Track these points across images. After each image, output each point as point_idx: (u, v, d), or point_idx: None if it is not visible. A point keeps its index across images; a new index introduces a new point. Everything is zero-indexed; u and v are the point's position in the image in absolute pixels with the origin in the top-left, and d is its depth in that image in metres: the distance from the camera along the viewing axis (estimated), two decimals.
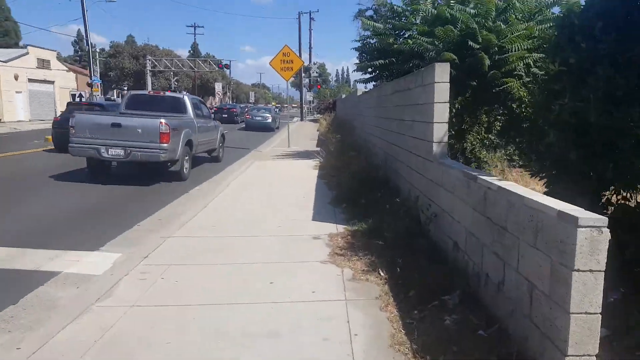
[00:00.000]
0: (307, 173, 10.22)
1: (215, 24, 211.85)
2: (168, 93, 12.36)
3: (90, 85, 40.92)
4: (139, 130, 8.93)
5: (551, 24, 6.98)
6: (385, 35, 9.44)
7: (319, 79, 49.92)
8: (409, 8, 9.36)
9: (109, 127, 8.95)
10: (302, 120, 43.13)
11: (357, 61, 38.99)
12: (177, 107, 10.74)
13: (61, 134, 12.25)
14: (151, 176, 9.84)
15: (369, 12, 42.75)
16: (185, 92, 14.25)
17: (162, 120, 9.01)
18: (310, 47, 47.56)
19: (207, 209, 7.00)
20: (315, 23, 50.55)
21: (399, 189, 6.78)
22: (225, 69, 65.99)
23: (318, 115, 48.86)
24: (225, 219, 6.40)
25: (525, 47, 7.44)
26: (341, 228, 5.71)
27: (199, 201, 7.56)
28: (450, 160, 4.78)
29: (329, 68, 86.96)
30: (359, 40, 11.85)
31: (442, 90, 4.81)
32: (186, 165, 10.04)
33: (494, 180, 3.38)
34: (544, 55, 5.92)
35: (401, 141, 6.65)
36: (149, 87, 59.70)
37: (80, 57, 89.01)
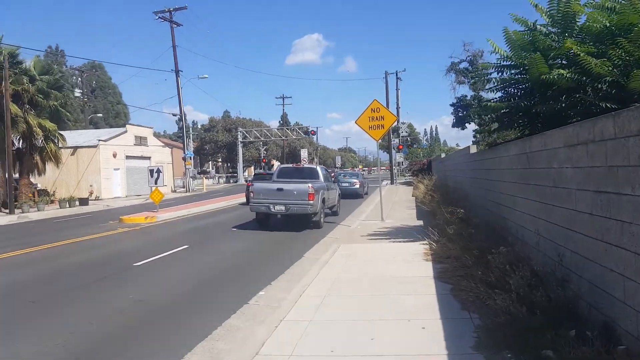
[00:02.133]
0: (417, 269, 7.22)
1: (303, 94, 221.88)
2: (306, 165, 17.21)
3: (184, 159, 42.10)
4: (295, 192, 12.67)
5: None
6: (533, 62, 6.54)
7: (408, 139, 47.30)
8: (559, 20, 6.49)
9: (275, 191, 12.86)
10: (392, 183, 40.24)
11: (453, 117, 34.73)
12: (312, 174, 14.52)
13: None
14: (298, 226, 13.40)
15: (463, 64, 38.47)
16: (317, 164, 17.50)
17: (310, 184, 12.79)
18: (397, 107, 45.54)
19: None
20: (401, 83, 49.00)
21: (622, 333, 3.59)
22: (311, 135, 66.30)
23: (410, 177, 45.74)
24: None
25: None
26: None
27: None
28: None
29: (417, 128, 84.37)
30: (475, 90, 9.14)
31: None
32: (322, 217, 13.65)
33: None
34: None
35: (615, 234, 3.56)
36: (240, 158, 61.17)
37: (184, 133, 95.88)
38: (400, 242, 9.61)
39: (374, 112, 13.69)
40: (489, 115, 9.12)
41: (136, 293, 6.85)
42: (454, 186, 15.41)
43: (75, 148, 31.90)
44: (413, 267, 7.28)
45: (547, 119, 8.27)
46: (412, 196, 23.00)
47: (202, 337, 4.90)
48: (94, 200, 30.69)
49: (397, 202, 20.39)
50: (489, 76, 8.63)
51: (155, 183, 17.95)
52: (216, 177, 64.39)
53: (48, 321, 5.70)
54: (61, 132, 27.12)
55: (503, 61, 8.62)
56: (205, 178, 63.17)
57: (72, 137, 34.94)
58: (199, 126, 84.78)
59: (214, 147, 65.81)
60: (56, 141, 26.18)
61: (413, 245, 8.99)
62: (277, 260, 9.05)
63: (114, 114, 67.40)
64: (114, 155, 33.44)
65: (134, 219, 15.75)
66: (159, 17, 38.65)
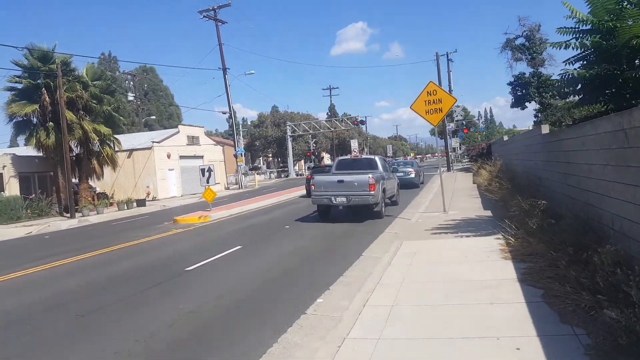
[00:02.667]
0: (495, 270, 6.26)
1: (349, 84, 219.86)
2: (364, 155, 16.21)
3: (235, 156, 42.39)
4: (355, 184, 12.75)
5: None
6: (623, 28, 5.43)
7: (464, 122, 45.20)
8: None
9: (336, 183, 13.01)
10: (449, 170, 38.57)
11: (512, 97, 32.50)
12: (371, 165, 14.56)
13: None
14: (359, 216, 13.59)
15: (519, 40, 36.03)
16: (367, 153, 18.45)
17: (370, 175, 12.81)
18: (450, 90, 43.56)
19: None
20: (453, 65, 46.66)
21: None
22: (360, 125, 65.09)
23: (468, 163, 43.74)
24: None
25: None
26: None
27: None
28: None
29: (471, 111, 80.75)
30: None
31: None
32: (384, 206, 13.71)
33: None
34: None
35: None
36: (290, 152, 61.11)
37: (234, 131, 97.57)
38: (470, 237, 8.63)
39: (430, 95, 12.66)
40: (570, 88, 7.98)
41: (187, 302, 6.38)
42: (522, 171, 14.05)
43: (131, 151, 32.72)
44: (490, 267, 6.34)
45: (637, 89, 7.05)
46: (474, 183, 21.61)
47: (257, 356, 4.31)
48: (151, 200, 31.38)
49: (457, 190, 19.16)
50: (566, 43, 7.50)
51: (207, 182, 17.78)
52: (267, 173, 64.83)
53: (90, 341, 5.30)
54: (116, 136, 27.84)
55: (583, 25, 7.49)
56: (257, 174, 63.68)
57: (128, 140, 35.95)
58: (249, 123, 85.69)
59: (263, 142, 66.19)
60: (112, 145, 26.85)
61: (486, 241, 8.00)
62: (335, 259, 8.37)
63: (167, 116, 69.33)
64: (168, 156, 34.04)
65: (187, 220, 15.61)
66: (204, 16, 38.89)
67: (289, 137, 60.62)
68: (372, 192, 12.70)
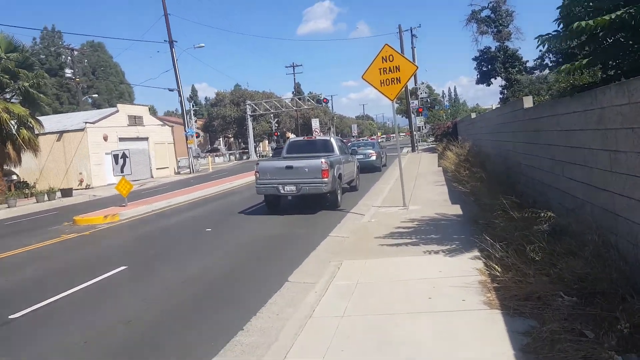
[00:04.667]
0: (474, 334, 3.80)
1: (316, 63, 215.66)
2: (318, 137, 14.73)
3: (186, 137, 39.00)
4: (306, 170, 11.25)
5: None
6: None
7: (428, 100, 43.12)
8: None
9: (284, 169, 11.42)
10: (413, 150, 36.48)
11: (477, 73, 29.82)
12: (326, 147, 13.05)
13: None
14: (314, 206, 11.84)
15: (485, 12, 33.34)
16: (333, 133, 18.53)
17: (323, 160, 11.25)
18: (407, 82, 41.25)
19: None
20: (417, 41, 44.20)
21: None
22: (324, 104, 62.29)
23: (433, 143, 41.86)
24: None
25: None
26: None
27: None
28: None
29: (435, 90, 78.88)
30: None
31: None
32: (339, 194, 12.03)
33: None
34: None
35: None
36: (251, 132, 57.82)
37: (195, 111, 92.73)
38: (435, 253, 6.16)
39: (386, 61, 10.09)
40: (574, 41, 5.53)
41: None
42: (496, 154, 11.76)
43: (61, 133, 29.01)
44: (469, 326, 3.87)
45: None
46: (439, 167, 19.40)
47: None
48: (84, 189, 27.97)
49: (421, 175, 16.87)
50: None
51: (122, 171, 14.80)
52: (227, 155, 61.53)
53: None
54: (43, 117, 24.31)
55: None
56: (216, 156, 60.34)
57: (60, 121, 32.11)
58: (206, 101, 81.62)
59: (222, 122, 62.52)
60: (31, 127, 23.24)
61: (458, 264, 5.55)
62: (244, 295, 5.82)
63: (117, 95, 64.40)
64: (105, 138, 30.47)
65: (89, 220, 12.65)
66: None
67: (248, 116, 57.28)
68: (326, 180, 11.08)
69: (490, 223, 6.92)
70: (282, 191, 11.41)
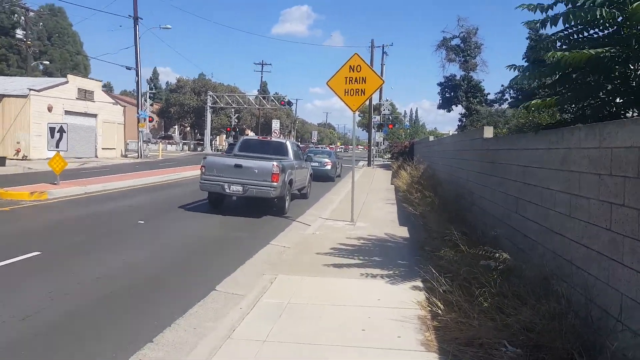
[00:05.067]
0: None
1: (287, 66, 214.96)
2: (274, 138, 14.65)
3: (138, 120, 37.29)
4: (256, 171, 10.67)
5: None
6: None
7: (390, 117, 43.50)
8: None
9: (232, 167, 10.77)
10: (369, 165, 36.56)
11: (440, 98, 30.58)
12: (281, 150, 12.69)
13: None
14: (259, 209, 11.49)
15: (455, 41, 34.16)
16: (287, 138, 15.49)
17: (274, 163, 10.73)
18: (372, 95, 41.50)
19: None
20: (387, 59, 44.35)
21: None
22: (288, 106, 61.76)
23: (389, 160, 42.18)
24: None
25: None
26: None
27: None
28: None
29: (398, 109, 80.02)
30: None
31: None
32: (287, 201, 11.55)
33: None
34: None
35: None
36: (208, 124, 56.28)
37: (154, 94, 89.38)
38: (376, 278, 5.79)
39: (353, 71, 9.76)
40: (549, 77, 5.35)
41: None
42: (449, 180, 11.67)
43: (1, 97, 26.92)
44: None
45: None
46: (392, 184, 19.34)
47: None
48: (20, 159, 26.10)
49: (374, 191, 16.68)
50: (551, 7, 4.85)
51: (57, 146, 13.68)
52: (180, 144, 59.62)
53: None
54: None
55: None
56: (169, 144, 58.27)
57: (2, 84, 29.88)
58: (167, 86, 79.20)
59: (180, 110, 60.62)
60: None
61: (398, 293, 5.19)
62: (165, 298, 5.21)
63: (71, 65, 60.94)
64: (49, 109, 28.55)
65: (13, 194, 11.51)
66: None
67: (208, 107, 55.79)
68: (275, 184, 10.58)
69: (437, 252, 6.66)
70: (227, 190, 10.75)
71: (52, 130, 13.80)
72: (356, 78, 9.73)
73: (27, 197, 11.39)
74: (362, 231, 9.00)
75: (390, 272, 6.03)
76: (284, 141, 13.62)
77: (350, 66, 9.74)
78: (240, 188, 10.65)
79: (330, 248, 7.44)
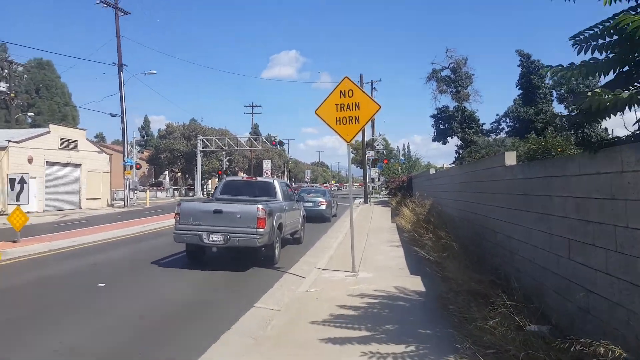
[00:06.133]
0: None
1: (277, 108, 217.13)
2: (260, 178, 13.03)
3: (124, 167, 35.94)
4: (238, 216, 9.11)
5: None
6: None
7: (384, 152, 42.44)
8: None
9: (211, 213, 9.23)
10: (366, 202, 35.09)
11: (434, 130, 29.24)
12: (267, 191, 11.29)
13: None
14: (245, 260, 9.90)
15: (445, 72, 33.44)
16: (275, 177, 16.05)
17: (260, 206, 9.14)
18: (372, 119, 40.69)
19: None
20: (377, 94, 43.67)
21: None
22: (279, 146, 60.77)
23: (386, 196, 40.79)
24: None
25: None
26: None
27: None
28: None
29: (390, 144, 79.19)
30: None
31: None
32: (277, 248, 10.06)
33: None
34: None
35: None
36: (199, 169, 54.94)
37: (146, 141, 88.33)
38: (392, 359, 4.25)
39: (345, 96, 8.48)
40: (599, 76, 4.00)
41: None
42: (462, 218, 10.18)
43: None
44: None
45: None
46: (393, 223, 17.85)
47: None
48: None
49: (374, 231, 15.17)
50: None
51: (17, 199, 12.25)
52: (170, 190, 58.16)
53: None
54: None
55: None
56: (159, 190, 56.75)
57: None
58: (156, 133, 78.38)
59: (170, 156, 59.45)
60: None
61: None
62: None
63: (60, 117, 59.97)
64: (29, 161, 27.16)
65: None
66: (101, 1, 32.86)
67: (199, 152, 54.68)
68: (261, 230, 9.05)
69: (465, 313, 5.16)
70: (205, 241, 9.20)
71: (12, 181, 12.42)
72: (348, 104, 8.43)
73: None
74: (367, 285, 7.46)
75: (409, 349, 4.48)
76: (270, 181, 12.09)
77: (340, 91, 8.47)
78: (221, 237, 9.13)
79: (329, 313, 5.87)
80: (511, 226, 6.62)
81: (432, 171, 17.79)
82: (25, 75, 51.05)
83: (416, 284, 7.43)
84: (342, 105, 8.44)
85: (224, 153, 60.21)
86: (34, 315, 6.36)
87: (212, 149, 56.49)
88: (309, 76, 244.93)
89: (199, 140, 54.96)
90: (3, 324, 5.92)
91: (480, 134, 37.17)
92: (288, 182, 75.60)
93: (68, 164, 30.72)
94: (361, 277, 8.14)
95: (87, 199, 32.37)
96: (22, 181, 12.18)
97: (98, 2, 33.18)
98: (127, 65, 34.95)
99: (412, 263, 9.11)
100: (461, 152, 37.48)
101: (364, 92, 8.74)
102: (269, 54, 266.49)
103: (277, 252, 10.06)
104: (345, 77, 8.49)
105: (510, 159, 6.98)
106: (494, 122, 37.48)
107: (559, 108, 35.10)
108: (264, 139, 59.04)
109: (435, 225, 9.91)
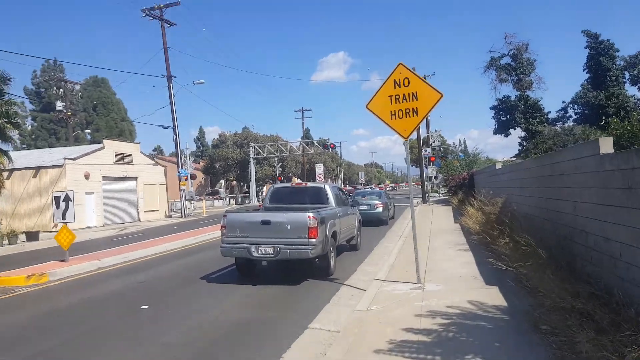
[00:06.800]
0: None
1: (328, 110, 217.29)
2: (310, 184, 12.49)
3: (179, 179, 36.49)
4: (288, 227, 8.49)
5: None
6: None
7: (441, 149, 40.64)
8: None
9: (259, 224, 8.63)
10: (424, 202, 33.56)
11: (495, 122, 26.64)
12: (319, 197, 10.52)
13: None
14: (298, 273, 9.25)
15: (505, 60, 30.73)
16: (327, 182, 13.91)
17: (310, 214, 8.46)
18: (426, 116, 39.05)
19: None
20: None
21: None
22: (331, 149, 60.03)
23: (445, 195, 38.97)
24: None
25: None
26: None
27: None
28: None
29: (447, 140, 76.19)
30: None
31: None
32: (332, 258, 9.34)
33: None
34: None
35: None
36: (253, 176, 55.30)
37: (201, 152, 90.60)
38: None
39: (400, 86, 7.50)
40: None
41: None
42: (540, 217, 8.83)
43: (37, 169, 26.59)
44: None
45: None
46: (456, 223, 16.53)
47: None
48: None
49: (437, 234, 13.98)
50: None
51: (63, 217, 12.06)
52: (227, 198, 58.94)
53: None
54: (23, 152, 21.95)
55: None
56: (215, 199, 57.67)
57: (41, 156, 29.95)
58: (210, 143, 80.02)
59: (224, 164, 60.29)
60: None
61: None
62: None
63: (117, 132, 62.62)
64: (86, 177, 27.97)
65: (6, 280, 9.75)
66: (147, 14, 33.60)
67: (251, 159, 55.00)
68: (314, 240, 8.33)
69: (562, 335, 4.09)
70: (254, 254, 8.57)
71: (56, 199, 12.34)
72: (404, 95, 7.43)
73: (22, 283, 9.60)
74: (436, 300, 6.42)
75: None
76: (322, 185, 11.21)
77: (394, 80, 7.49)
78: (270, 250, 8.47)
79: (393, 339, 4.92)
80: (610, 226, 5.36)
81: (499, 166, 16.27)
82: (80, 94, 53.23)
83: (495, 297, 6.31)
84: (397, 97, 7.45)
85: (276, 159, 60.31)
86: (69, 343, 5.84)
87: (265, 155, 56.66)
88: (359, 77, 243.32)
89: (251, 148, 55.29)
90: (37, 355, 5.43)
91: (545, 124, 34.52)
92: (342, 185, 74.40)
93: (124, 178, 31.48)
94: (428, 289, 7.10)
95: (144, 211, 33.04)
96: (67, 199, 12.06)
97: (144, 15, 33.95)
98: (175, 77, 35.61)
99: (485, 271, 7.94)
100: (525, 143, 34.99)
101: (421, 79, 7.70)
102: (318, 57, 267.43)
103: (332, 262, 9.27)
104: (400, 63, 7.49)
105: (606, 146, 5.71)
106: (560, 110, 34.83)
107: (632, 91, 32.02)
108: (316, 143, 58.58)
109: (511, 227, 8.64)
